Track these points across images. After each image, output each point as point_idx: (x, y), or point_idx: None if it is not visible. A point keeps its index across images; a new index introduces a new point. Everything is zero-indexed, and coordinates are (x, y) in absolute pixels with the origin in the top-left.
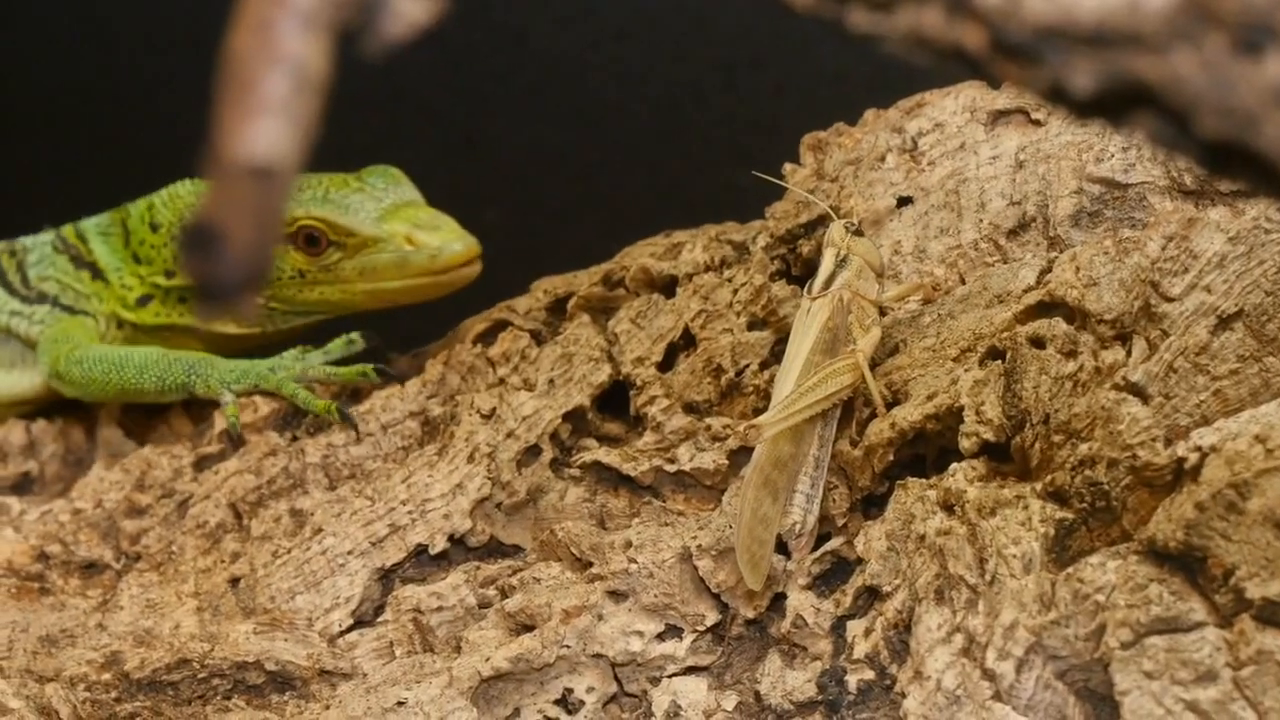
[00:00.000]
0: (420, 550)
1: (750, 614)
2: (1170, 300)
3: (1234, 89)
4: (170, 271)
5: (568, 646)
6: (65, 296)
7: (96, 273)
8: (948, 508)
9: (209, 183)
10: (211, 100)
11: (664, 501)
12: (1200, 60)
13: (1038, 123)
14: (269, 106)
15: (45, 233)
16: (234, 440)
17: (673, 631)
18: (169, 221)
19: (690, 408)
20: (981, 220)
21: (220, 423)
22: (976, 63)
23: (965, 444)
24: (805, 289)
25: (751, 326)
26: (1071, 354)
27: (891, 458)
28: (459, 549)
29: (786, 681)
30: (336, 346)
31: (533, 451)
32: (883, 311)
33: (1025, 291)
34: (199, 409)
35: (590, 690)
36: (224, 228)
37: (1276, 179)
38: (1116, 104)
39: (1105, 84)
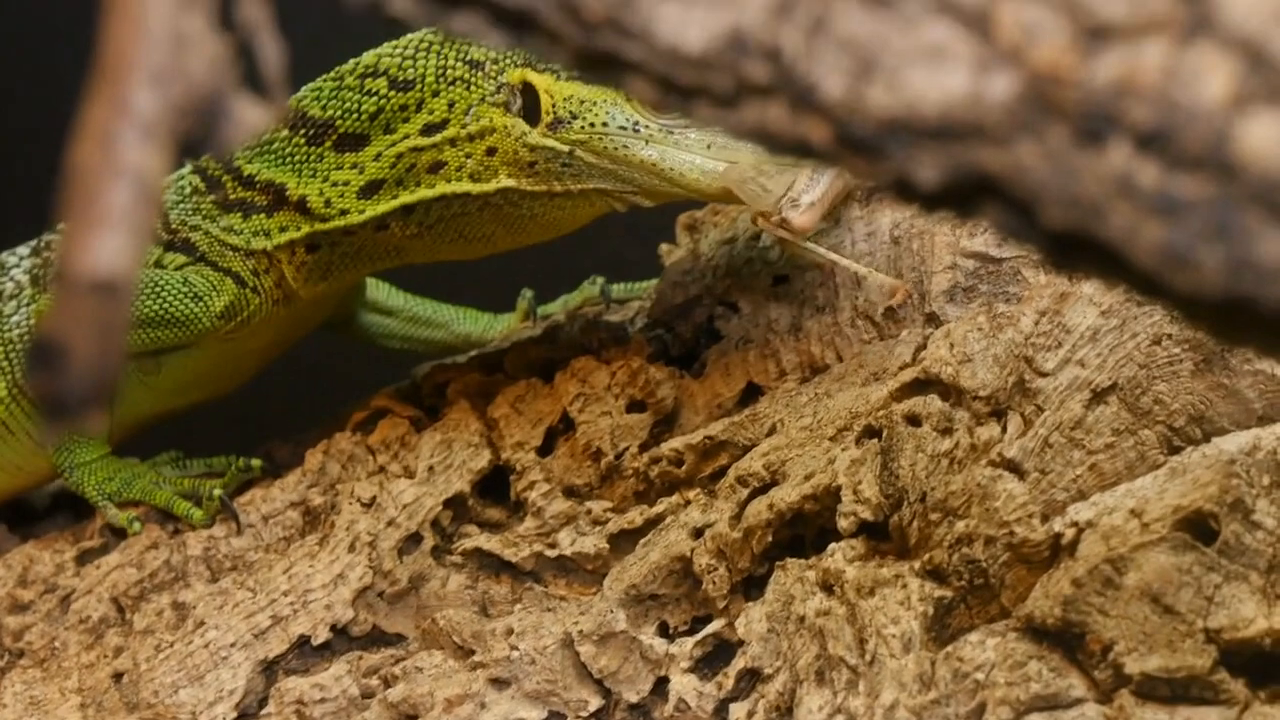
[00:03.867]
0: (303, 641)
1: (633, 699)
2: (1044, 375)
3: (1078, 178)
4: (434, 125)
5: None
6: (212, 250)
7: (278, 201)
8: (827, 588)
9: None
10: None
11: (546, 587)
12: (1043, 150)
13: None
14: (110, 220)
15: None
16: (115, 533)
17: (556, 718)
18: (434, 68)
19: (570, 492)
20: (857, 297)
21: (100, 518)
22: (823, 156)
23: (843, 523)
24: None
25: (630, 409)
26: (947, 431)
27: (770, 539)
28: (342, 639)
29: None
30: (222, 465)
31: (414, 539)
32: None
33: (901, 369)
34: (82, 501)
35: None
36: (67, 343)
37: (1123, 267)
38: (962, 195)
39: (950, 176)
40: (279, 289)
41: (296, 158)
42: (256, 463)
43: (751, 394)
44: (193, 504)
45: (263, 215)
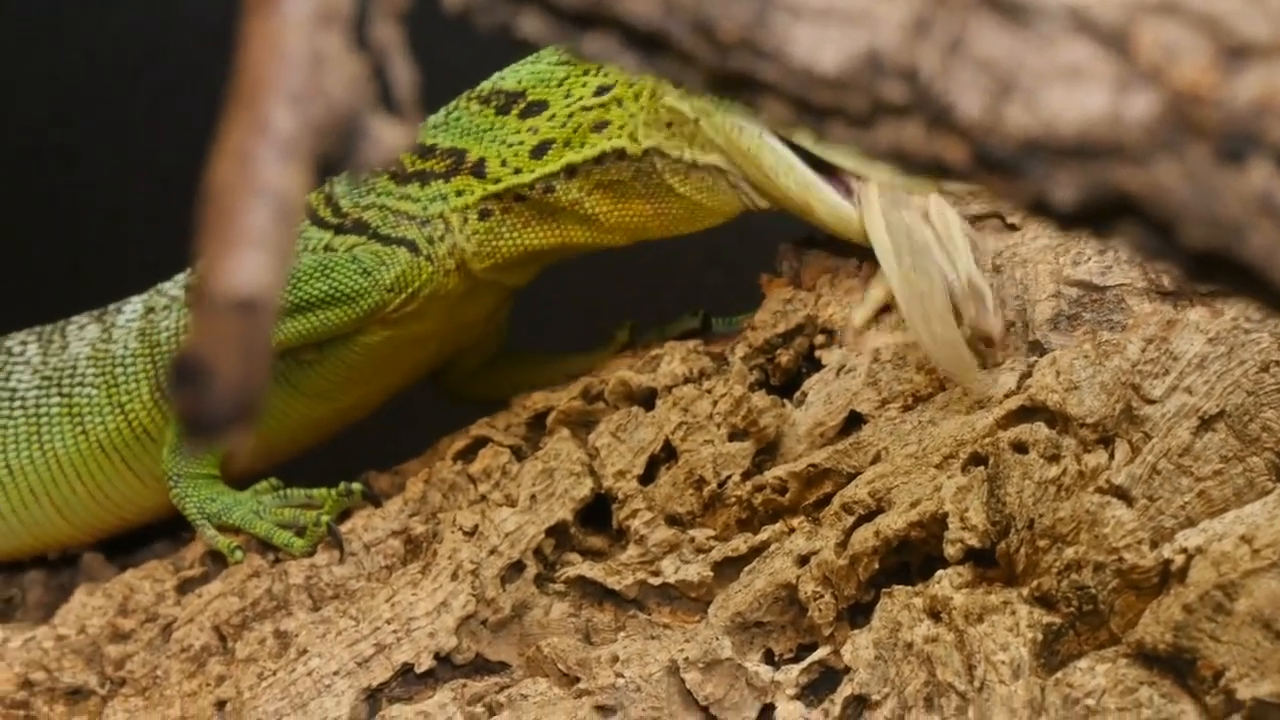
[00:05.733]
0: (406, 669)
1: None
2: (1152, 402)
3: (1218, 198)
4: (605, 86)
5: None
6: (385, 224)
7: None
8: (934, 615)
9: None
10: (195, 232)
11: (649, 615)
12: (1183, 170)
13: (1013, 227)
14: (251, 238)
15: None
16: (216, 562)
17: None
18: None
19: (673, 520)
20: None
21: (201, 546)
22: (958, 176)
23: (950, 551)
24: None
25: (732, 437)
26: (1054, 458)
27: (877, 566)
28: (445, 667)
29: None
30: (322, 496)
31: (516, 568)
32: None
33: (1006, 396)
34: (181, 529)
35: None
36: (212, 362)
37: (1263, 286)
38: (1100, 215)
39: (1088, 195)
40: (451, 258)
41: (482, 127)
42: (358, 487)
43: (854, 422)
44: (293, 533)
45: (440, 181)
